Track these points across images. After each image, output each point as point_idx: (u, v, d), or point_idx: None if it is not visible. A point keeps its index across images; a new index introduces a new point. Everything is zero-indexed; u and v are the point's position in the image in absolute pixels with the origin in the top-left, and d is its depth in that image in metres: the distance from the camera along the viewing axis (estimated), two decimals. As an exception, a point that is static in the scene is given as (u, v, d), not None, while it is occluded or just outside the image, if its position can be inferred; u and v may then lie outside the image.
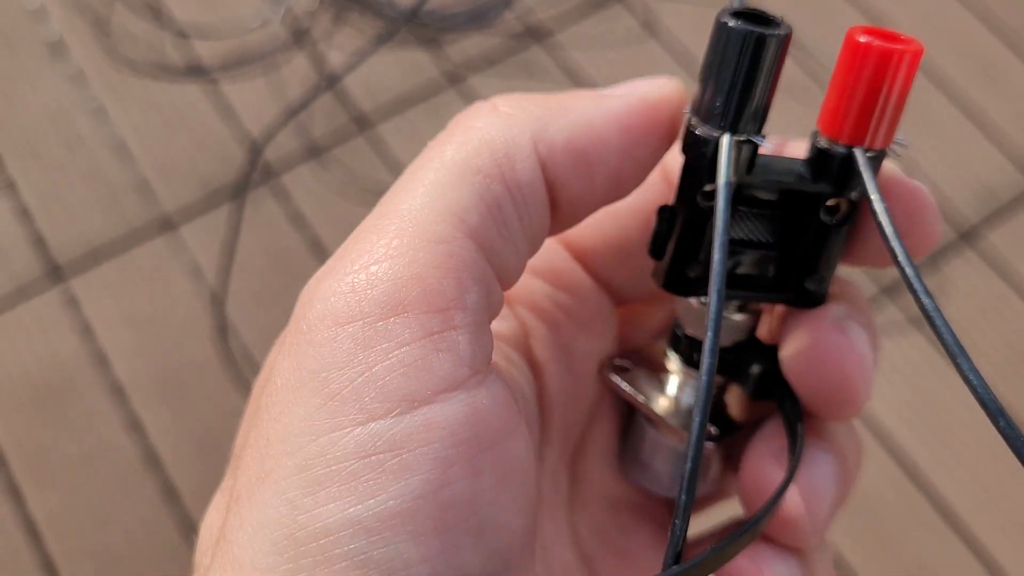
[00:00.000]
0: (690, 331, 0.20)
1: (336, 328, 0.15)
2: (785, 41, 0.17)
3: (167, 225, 0.83)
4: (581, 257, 0.22)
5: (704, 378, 0.16)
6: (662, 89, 0.19)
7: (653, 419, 0.20)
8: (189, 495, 0.73)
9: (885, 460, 0.76)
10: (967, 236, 0.86)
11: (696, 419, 0.16)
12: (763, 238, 0.19)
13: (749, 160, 0.18)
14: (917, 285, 0.16)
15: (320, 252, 0.83)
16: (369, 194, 0.85)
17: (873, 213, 0.17)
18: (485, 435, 0.15)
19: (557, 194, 0.18)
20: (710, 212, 0.18)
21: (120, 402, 0.76)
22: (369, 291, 0.15)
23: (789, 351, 0.19)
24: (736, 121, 0.17)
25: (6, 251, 0.82)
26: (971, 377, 0.15)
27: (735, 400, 0.21)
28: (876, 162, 0.18)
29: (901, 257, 0.16)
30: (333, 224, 0.84)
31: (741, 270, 0.19)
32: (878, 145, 0.17)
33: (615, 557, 0.21)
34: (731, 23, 0.16)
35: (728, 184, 0.17)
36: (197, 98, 0.89)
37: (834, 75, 0.18)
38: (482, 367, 0.16)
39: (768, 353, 0.20)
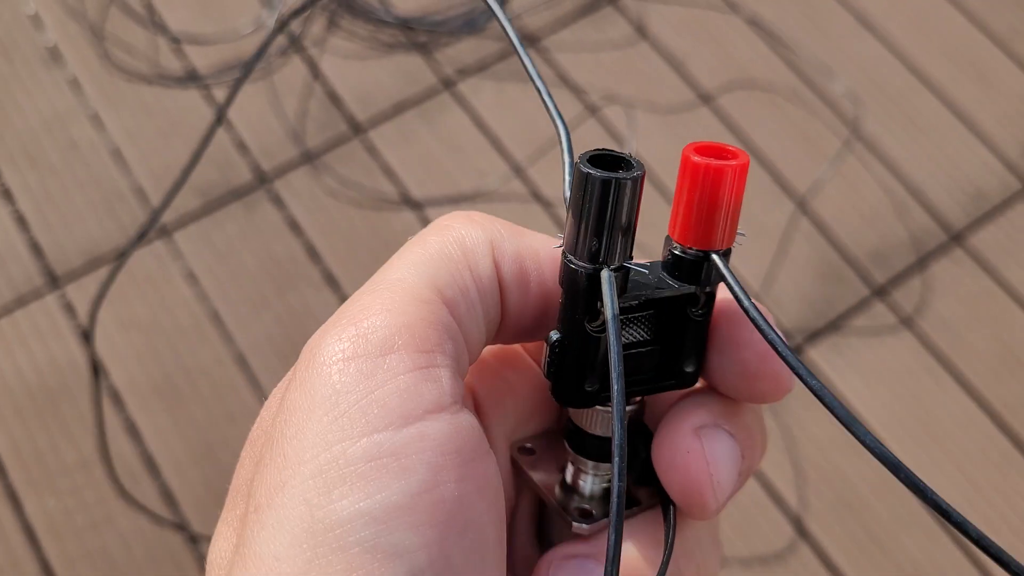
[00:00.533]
0: (579, 424, 0.22)
1: (343, 363, 0.18)
2: (641, 180, 0.19)
3: (162, 231, 0.84)
4: (527, 348, 0.25)
5: (616, 487, 0.18)
6: None
7: (545, 501, 0.22)
8: (186, 499, 0.73)
9: (875, 460, 0.77)
10: (957, 237, 0.86)
11: (613, 520, 0.18)
12: (641, 338, 0.21)
13: (623, 284, 0.20)
14: (783, 350, 0.18)
15: (315, 258, 0.83)
16: (364, 199, 0.86)
17: (739, 300, 0.19)
18: (466, 450, 0.18)
19: (504, 298, 0.21)
20: (596, 336, 0.20)
21: (118, 407, 0.76)
22: (370, 335, 0.18)
23: (654, 449, 0.21)
24: (609, 255, 0.19)
25: (3, 258, 0.82)
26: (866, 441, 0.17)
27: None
28: (726, 257, 0.20)
29: (762, 324, 0.19)
30: (328, 229, 0.84)
31: (630, 372, 0.21)
32: (724, 246, 0.20)
33: None
34: (592, 171, 0.18)
35: (615, 316, 0.18)
36: (190, 104, 0.90)
37: (677, 189, 0.20)
38: (459, 400, 0.19)
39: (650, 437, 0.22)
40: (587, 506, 0.22)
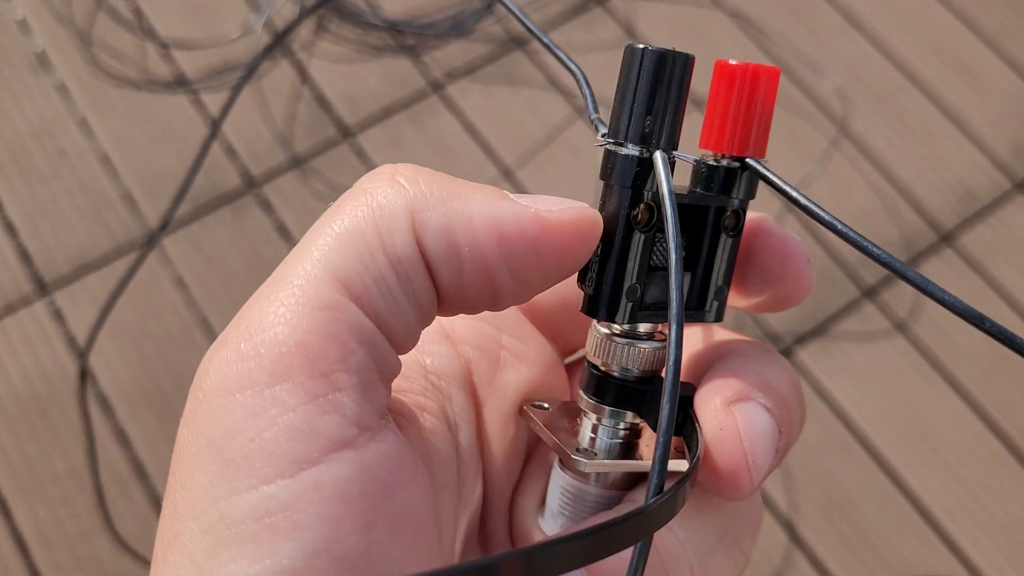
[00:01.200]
0: (599, 362, 0.20)
1: (228, 397, 0.16)
2: (691, 62, 0.19)
3: (151, 238, 0.84)
4: (527, 311, 0.23)
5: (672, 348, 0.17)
6: (565, 213, 0.18)
7: (558, 453, 0.21)
8: (176, 507, 0.73)
9: (865, 462, 0.77)
10: (947, 237, 0.86)
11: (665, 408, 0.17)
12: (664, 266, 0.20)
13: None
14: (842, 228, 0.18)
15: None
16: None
17: (786, 194, 0.18)
18: (375, 489, 0.16)
19: (434, 276, 0.18)
20: (641, 234, 0.19)
21: (107, 414, 0.76)
22: (256, 360, 0.16)
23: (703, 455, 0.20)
24: (660, 137, 0.18)
25: (-9, 266, 0.82)
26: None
27: (647, 444, 0.21)
28: (751, 175, 0.20)
29: (823, 216, 0.18)
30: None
31: (650, 297, 0.20)
32: (759, 154, 0.19)
33: None
34: (646, 47, 0.18)
35: (671, 194, 0.18)
36: (179, 109, 0.89)
37: (710, 100, 0.19)
38: (372, 423, 0.16)
39: (681, 387, 0.20)
40: (591, 449, 0.21)
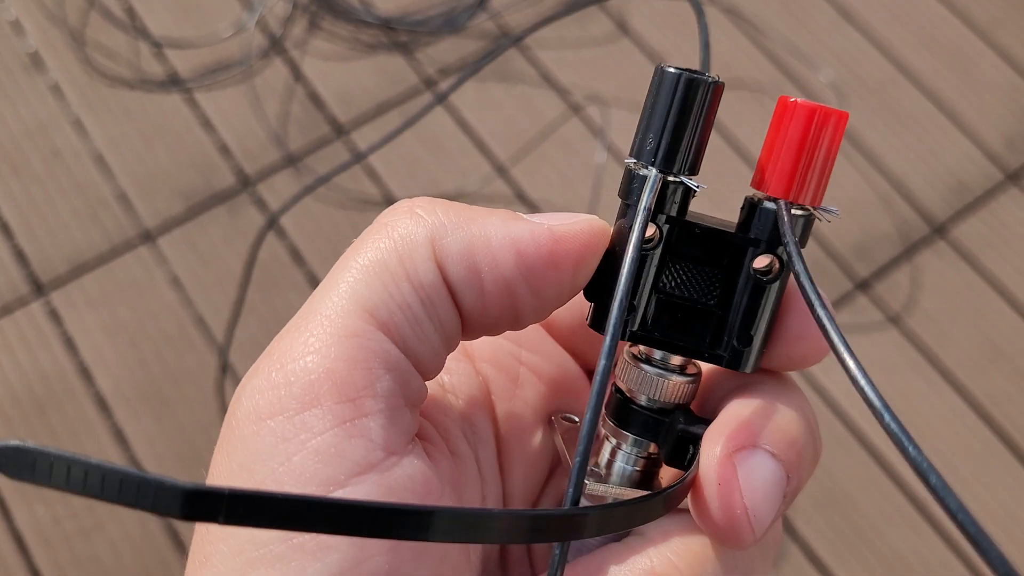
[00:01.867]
0: (624, 387, 0.20)
1: (259, 423, 0.17)
2: (716, 89, 0.18)
3: (146, 237, 0.84)
4: (547, 327, 0.23)
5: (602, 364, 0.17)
6: (575, 226, 0.19)
7: (562, 460, 0.21)
8: (174, 505, 0.73)
9: (860, 455, 0.77)
10: (940, 229, 0.87)
11: (588, 416, 0.16)
12: (699, 296, 0.19)
13: (681, 203, 0.19)
14: (823, 315, 0.17)
15: (299, 260, 0.83)
16: (347, 200, 0.86)
17: (788, 255, 0.18)
18: None
19: (457, 300, 0.18)
20: (644, 254, 0.19)
21: (105, 414, 0.77)
22: (287, 387, 0.17)
23: (693, 477, 0.19)
24: (667, 160, 0.18)
25: (-13, 267, 0.83)
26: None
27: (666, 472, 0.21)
28: (805, 222, 0.19)
29: (811, 294, 0.17)
30: (311, 232, 0.84)
31: (677, 326, 0.19)
32: (804, 201, 0.18)
33: None
34: (668, 68, 0.18)
35: (647, 210, 0.18)
36: (173, 108, 0.89)
37: (767, 136, 0.19)
38: (398, 448, 0.17)
39: (695, 424, 0.20)
40: (607, 471, 0.20)
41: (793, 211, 0.18)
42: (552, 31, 0.93)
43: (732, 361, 0.19)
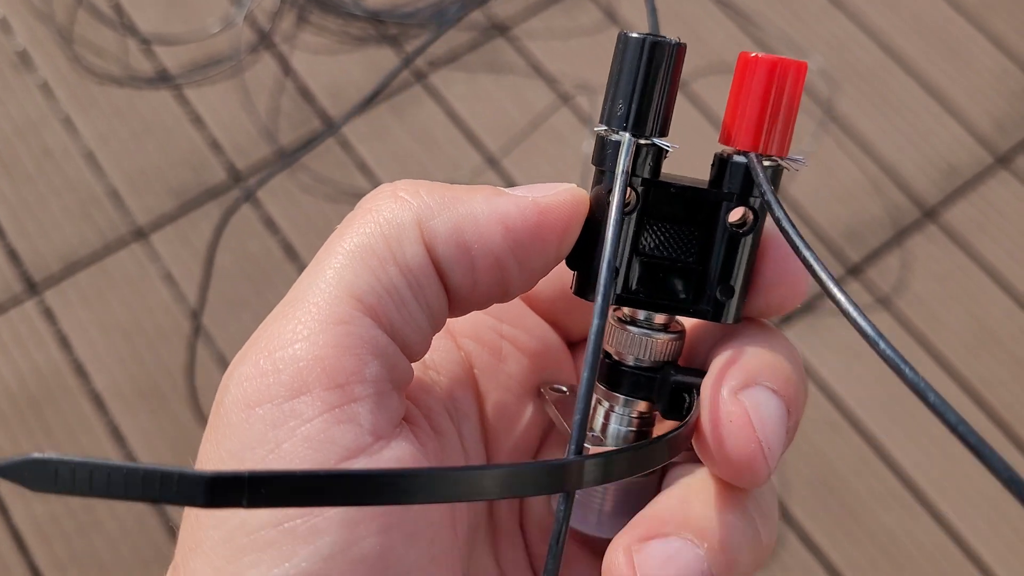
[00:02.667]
0: (612, 350, 0.20)
1: (248, 411, 0.17)
2: (679, 51, 0.19)
3: (139, 233, 0.84)
4: (527, 299, 0.23)
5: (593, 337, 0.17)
6: (559, 196, 0.19)
7: (557, 427, 0.21)
8: (171, 500, 0.74)
9: (853, 438, 0.78)
10: (931, 213, 0.87)
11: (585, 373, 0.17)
12: (679, 255, 0.20)
13: (654, 164, 0.19)
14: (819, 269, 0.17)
15: (292, 255, 0.83)
16: (338, 194, 0.86)
17: (767, 204, 0.18)
18: None
19: (445, 280, 0.19)
20: (626, 219, 0.19)
21: (100, 411, 0.77)
22: (275, 375, 0.17)
23: (695, 420, 0.20)
24: (638, 124, 0.18)
25: (-20, 266, 0.83)
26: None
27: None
28: (775, 172, 0.19)
29: (797, 241, 0.17)
30: (304, 226, 0.85)
31: (660, 286, 0.20)
32: (772, 151, 0.19)
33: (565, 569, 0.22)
34: (631, 34, 0.19)
35: (625, 172, 0.18)
36: (163, 105, 0.89)
37: (730, 92, 0.19)
38: (386, 432, 0.17)
39: (688, 375, 0.20)
40: (601, 435, 0.21)
41: (763, 162, 0.19)
42: (541, 21, 0.93)
43: (716, 314, 0.20)
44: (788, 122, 0.19)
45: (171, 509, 0.74)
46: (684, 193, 0.20)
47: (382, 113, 0.89)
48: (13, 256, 0.83)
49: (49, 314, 0.80)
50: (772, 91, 0.19)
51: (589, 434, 0.21)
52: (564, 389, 0.22)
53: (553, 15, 0.94)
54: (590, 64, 0.91)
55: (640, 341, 0.20)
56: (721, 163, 0.19)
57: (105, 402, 0.77)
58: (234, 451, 0.17)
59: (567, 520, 0.17)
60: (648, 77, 0.18)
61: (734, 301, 0.20)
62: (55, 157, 0.87)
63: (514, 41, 0.93)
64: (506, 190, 0.19)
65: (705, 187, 0.20)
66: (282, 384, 0.17)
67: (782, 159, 0.19)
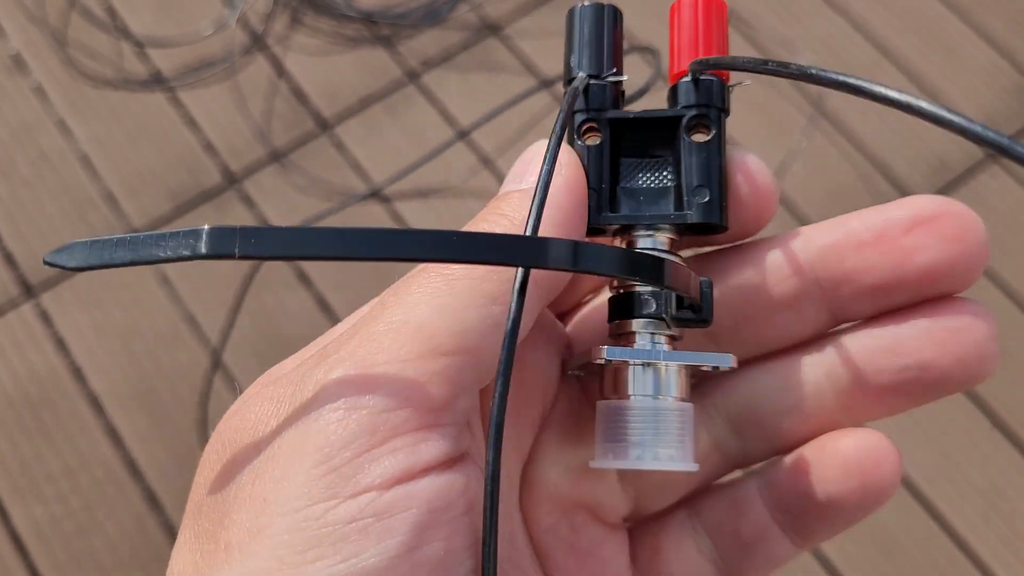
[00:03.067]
0: (614, 289, 0.22)
1: (345, 412, 0.18)
2: (616, 11, 0.22)
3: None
4: None
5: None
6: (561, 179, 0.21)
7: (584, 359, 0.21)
8: (171, 502, 0.74)
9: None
10: (922, 209, 0.87)
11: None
12: (657, 183, 0.22)
13: (613, 98, 0.22)
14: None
15: (287, 256, 0.84)
16: (333, 195, 0.86)
17: (720, 111, 0.21)
18: (459, 505, 0.18)
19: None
20: (596, 148, 0.21)
21: (98, 413, 0.77)
22: (378, 387, 0.18)
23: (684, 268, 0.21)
24: (591, 66, 0.21)
25: (-24, 270, 0.83)
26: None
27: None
28: (720, 86, 0.22)
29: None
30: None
31: (644, 205, 0.22)
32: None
33: (569, 554, 0.23)
34: (574, 7, 0.22)
35: (573, 96, 0.21)
36: (157, 107, 0.90)
37: (669, 42, 0.22)
38: (459, 457, 0.19)
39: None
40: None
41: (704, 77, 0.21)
42: (532, 20, 0.93)
43: (701, 214, 0.21)
44: (723, 48, 0.22)
45: (170, 509, 0.74)
46: (644, 119, 0.21)
47: (376, 113, 0.90)
48: (9, 259, 0.83)
49: (46, 317, 0.81)
50: (700, 20, 0.21)
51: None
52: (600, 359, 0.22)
53: (545, 14, 0.94)
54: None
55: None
56: (672, 89, 0.22)
57: (103, 404, 0.78)
58: (321, 447, 0.17)
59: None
60: (593, 29, 0.21)
61: (714, 199, 0.21)
62: (50, 160, 0.87)
63: (506, 40, 0.93)
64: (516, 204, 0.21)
65: (649, 116, 0.22)
66: (379, 397, 0.18)
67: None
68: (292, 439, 0.18)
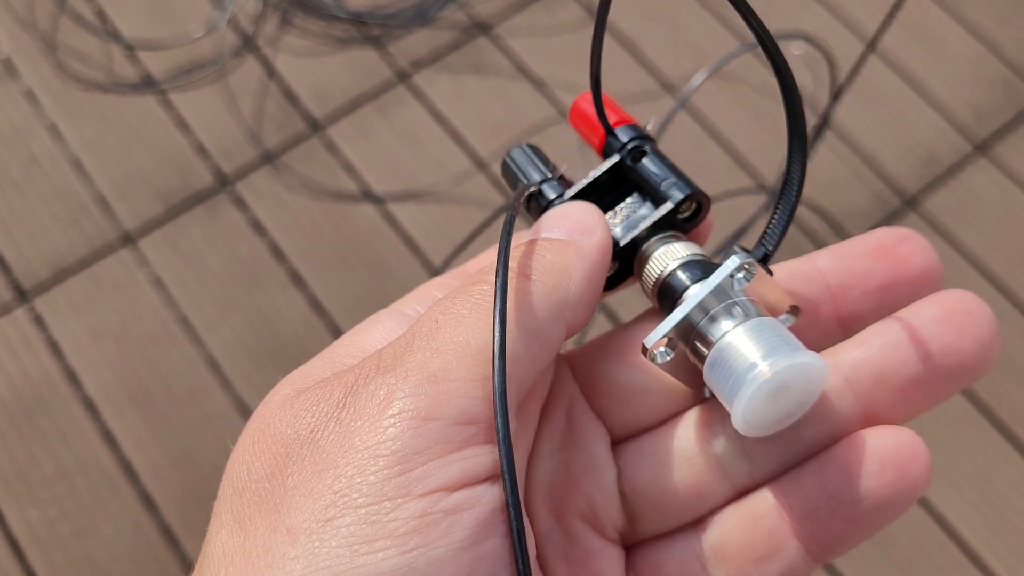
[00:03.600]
0: (652, 286, 0.24)
1: (420, 421, 0.19)
2: (532, 146, 0.27)
3: (127, 239, 0.84)
4: None
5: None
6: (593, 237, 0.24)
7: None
8: (167, 504, 0.74)
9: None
10: (911, 202, 0.88)
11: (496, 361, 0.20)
12: (633, 210, 0.25)
13: (566, 187, 0.25)
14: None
15: (280, 257, 0.84)
16: (325, 196, 0.86)
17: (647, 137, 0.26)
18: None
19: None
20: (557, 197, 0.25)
21: (93, 416, 0.77)
22: (450, 403, 0.19)
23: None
24: (540, 174, 0.26)
25: (-31, 275, 0.83)
26: None
27: None
28: (634, 127, 0.26)
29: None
30: (291, 228, 0.85)
31: (631, 218, 0.25)
32: (615, 122, 0.26)
33: (563, 561, 0.23)
34: (505, 156, 0.26)
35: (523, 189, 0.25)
36: (148, 110, 0.90)
37: (581, 129, 0.27)
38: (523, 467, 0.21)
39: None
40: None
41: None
42: (523, 19, 0.94)
43: (681, 190, 0.24)
44: (612, 106, 0.26)
45: (166, 511, 0.74)
46: (595, 179, 0.25)
47: (367, 114, 0.90)
48: (2, 264, 0.83)
49: (39, 321, 0.81)
50: (587, 107, 0.26)
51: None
52: (665, 346, 0.23)
53: (535, 12, 0.94)
54: (572, 61, 0.92)
55: (656, 252, 0.24)
56: (604, 150, 0.26)
57: (97, 407, 0.78)
58: (396, 451, 0.19)
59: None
60: (525, 159, 0.26)
61: (684, 180, 0.25)
62: (42, 164, 0.87)
63: (496, 40, 0.94)
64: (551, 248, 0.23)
65: (601, 171, 0.25)
66: (452, 411, 0.19)
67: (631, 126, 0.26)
68: (366, 441, 0.19)
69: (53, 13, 0.94)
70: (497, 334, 0.20)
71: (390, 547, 0.18)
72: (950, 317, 0.22)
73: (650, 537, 0.24)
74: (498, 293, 0.20)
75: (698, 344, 0.22)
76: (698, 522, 0.23)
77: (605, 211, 0.24)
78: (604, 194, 0.25)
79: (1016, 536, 0.74)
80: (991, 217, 0.87)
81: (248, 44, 0.93)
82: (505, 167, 0.26)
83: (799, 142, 0.22)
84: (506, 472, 0.19)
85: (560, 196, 0.25)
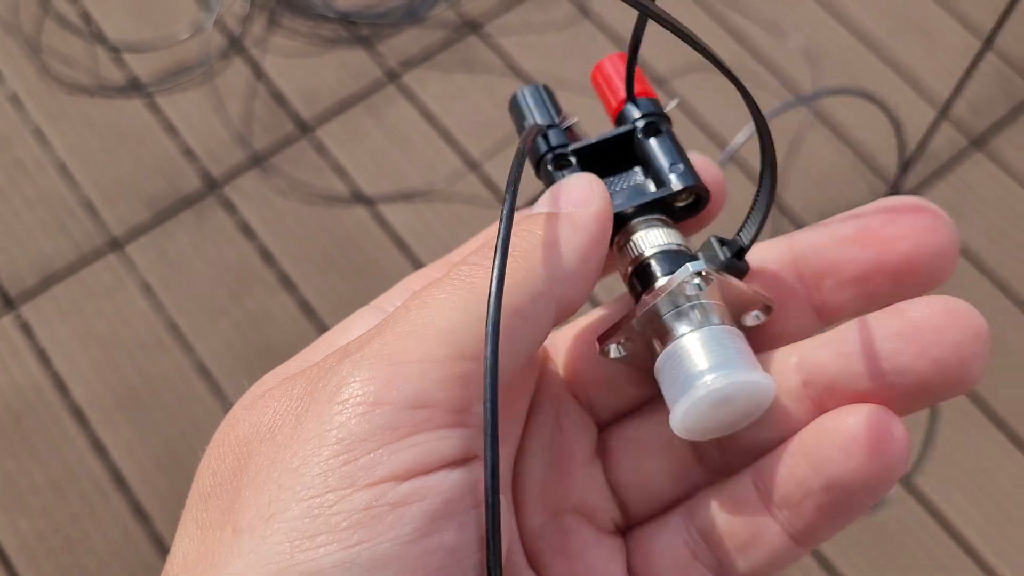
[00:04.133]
0: (629, 268, 0.23)
1: (368, 407, 0.18)
2: (546, 87, 0.26)
3: (114, 244, 0.83)
4: None
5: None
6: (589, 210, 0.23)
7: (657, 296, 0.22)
8: (157, 512, 0.73)
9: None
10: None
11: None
12: (633, 182, 0.24)
13: (572, 139, 0.25)
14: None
15: (269, 261, 0.83)
16: (315, 198, 0.85)
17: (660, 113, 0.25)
18: (467, 500, 0.18)
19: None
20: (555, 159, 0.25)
21: (82, 424, 0.76)
22: (403, 385, 0.18)
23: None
24: (546, 119, 0.25)
25: (-46, 283, 0.82)
26: None
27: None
28: (654, 103, 0.25)
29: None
30: (281, 231, 0.84)
31: (631, 196, 0.24)
32: (647, 95, 0.25)
33: (559, 556, 0.23)
34: (515, 92, 0.25)
35: (526, 139, 0.24)
36: (134, 113, 0.89)
37: (598, 91, 0.26)
38: (472, 457, 0.19)
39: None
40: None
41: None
42: (514, 16, 0.93)
43: (683, 180, 0.23)
44: (642, 80, 0.25)
45: (157, 520, 0.73)
46: (604, 140, 0.24)
47: (357, 114, 0.89)
48: (-12, 271, 0.82)
49: (27, 328, 0.80)
50: (613, 70, 0.25)
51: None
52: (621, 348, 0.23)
53: (526, 9, 0.94)
54: (564, 58, 0.91)
55: (637, 237, 0.24)
56: (619, 116, 0.25)
57: (86, 415, 0.77)
58: (342, 439, 0.18)
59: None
60: (535, 99, 0.25)
61: (690, 169, 0.24)
62: (27, 169, 0.86)
63: (486, 38, 0.93)
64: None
65: (611, 135, 0.24)
66: (405, 394, 0.18)
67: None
68: (312, 431, 0.18)
69: (37, 15, 0.92)
70: (495, 274, 0.19)
71: (332, 542, 0.17)
72: (915, 333, 0.20)
73: (644, 525, 0.23)
74: (499, 244, 0.19)
75: (654, 340, 0.22)
76: (688, 510, 0.23)
77: (604, 174, 0.24)
78: (607, 162, 0.24)
79: (1017, 532, 0.74)
80: (988, 211, 0.87)
81: (235, 45, 0.91)
82: (513, 102, 0.25)
83: (762, 123, 0.22)
84: (488, 448, 0.18)
85: (563, 146, 0.24)
